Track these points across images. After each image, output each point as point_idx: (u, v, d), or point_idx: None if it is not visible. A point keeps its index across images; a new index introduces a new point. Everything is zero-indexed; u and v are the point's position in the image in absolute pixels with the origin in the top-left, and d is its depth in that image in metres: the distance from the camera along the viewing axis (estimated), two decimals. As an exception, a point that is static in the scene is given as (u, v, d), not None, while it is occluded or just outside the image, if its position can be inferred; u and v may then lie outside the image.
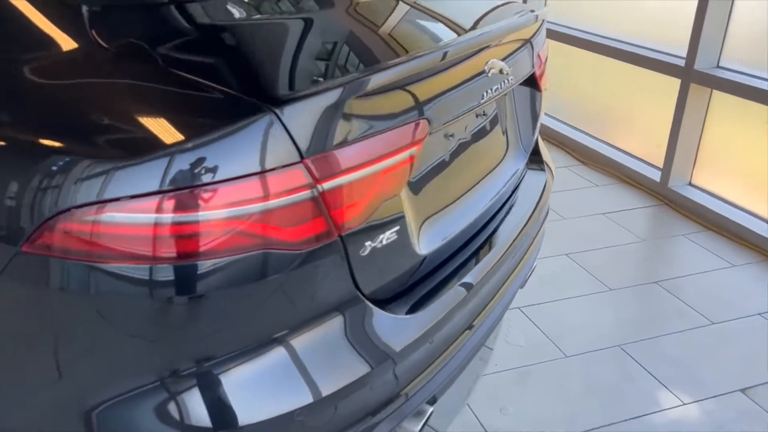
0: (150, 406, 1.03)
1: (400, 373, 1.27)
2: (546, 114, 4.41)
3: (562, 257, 3.02)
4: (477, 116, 1.64)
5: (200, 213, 0.95)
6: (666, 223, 3.41)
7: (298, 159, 1.02)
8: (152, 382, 1.03)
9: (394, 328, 1.27)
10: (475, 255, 1.58)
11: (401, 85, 1.23)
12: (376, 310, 1.25)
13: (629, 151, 4.04)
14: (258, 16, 1.34)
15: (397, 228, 1.25)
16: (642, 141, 3.98)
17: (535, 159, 2.07)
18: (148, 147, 0.95)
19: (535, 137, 1.99)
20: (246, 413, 1.07)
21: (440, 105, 1.33)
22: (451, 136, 1.52)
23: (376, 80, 1.17)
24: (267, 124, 0.99)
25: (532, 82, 1.89)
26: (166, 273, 0.97)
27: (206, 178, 0.94)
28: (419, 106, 1.26)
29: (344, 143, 1.09)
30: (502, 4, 1.84)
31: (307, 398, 1.12)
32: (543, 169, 2.08)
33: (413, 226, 1.33)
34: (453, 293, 1.43)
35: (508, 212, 1.80)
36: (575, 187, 3.82)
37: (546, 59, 1.98)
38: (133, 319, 1.00)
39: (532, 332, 2.49)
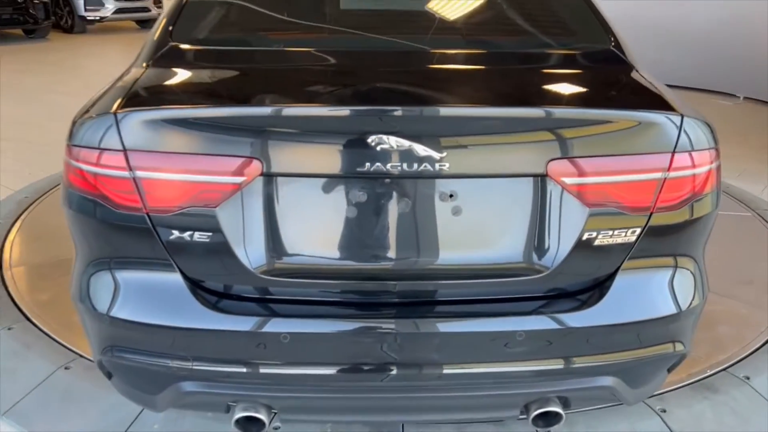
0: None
1: (176, 341, 1.61)
2: None
3: None
4: (422, 191, 1.56)
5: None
6: None
7: (120, 148, 1.50)
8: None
9: (184, 306, 1.59)
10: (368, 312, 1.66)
11: (233, 125, 1.53)
12: (181, 284, 1.60)
13: None
14: None
15: (211, 234, 1.54)
16: None
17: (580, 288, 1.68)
18: None
19: (566, 258, 1.58)
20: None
21: (288, 156, 1.53)
22: (361, 194, 1.54)
23: (210, 113, 1.54)
24: (108, 121, 1.53)
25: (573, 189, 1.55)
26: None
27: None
28: (249, 147, 1.50)
29: (162, 151, 1.51)
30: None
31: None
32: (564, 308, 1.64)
33: (236, 239, 1.55)
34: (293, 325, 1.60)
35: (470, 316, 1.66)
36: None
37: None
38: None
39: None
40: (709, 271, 3.18)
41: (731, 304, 2.99)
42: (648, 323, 1.68)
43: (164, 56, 1.82)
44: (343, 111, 1.55)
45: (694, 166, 1.61)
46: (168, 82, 1.77)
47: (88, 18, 12.05)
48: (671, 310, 1.69)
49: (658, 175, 1.58)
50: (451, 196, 1.56)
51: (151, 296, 1.63)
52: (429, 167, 1.49)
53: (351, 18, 2.15)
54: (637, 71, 1.85)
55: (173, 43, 1.86)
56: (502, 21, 2.17)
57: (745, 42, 7.24)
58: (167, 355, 1.63)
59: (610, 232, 1.59)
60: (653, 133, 1.58)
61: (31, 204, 3.86)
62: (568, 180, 1.54)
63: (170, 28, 1.90)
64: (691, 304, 1.72)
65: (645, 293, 1.69)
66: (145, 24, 13.16)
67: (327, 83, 1.71)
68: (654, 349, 1.72)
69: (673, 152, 1.57)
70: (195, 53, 1.86)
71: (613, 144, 1.56)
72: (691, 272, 1.75)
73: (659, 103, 1.65)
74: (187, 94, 1.71)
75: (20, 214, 3.71)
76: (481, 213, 1.60)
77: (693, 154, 1.60)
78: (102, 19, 12.19)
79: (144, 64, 1.80)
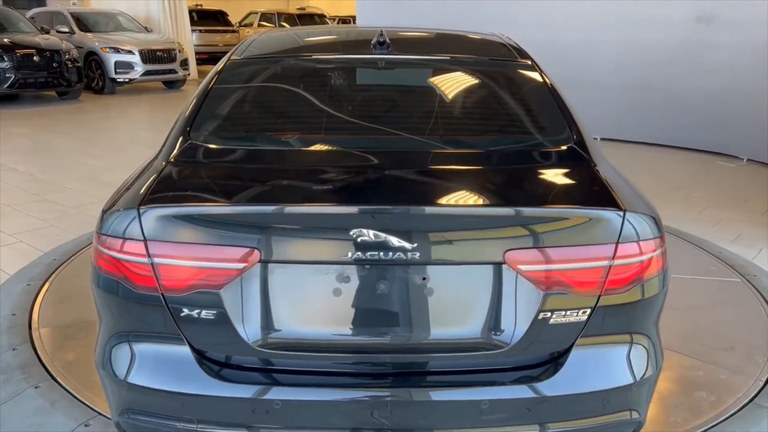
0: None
1: (183, 405, 1.84)
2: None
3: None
4: (394, 273, 1.79)
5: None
6: None
7: (141, 238, 1.78)
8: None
9: (191, 375, 1.83)
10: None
11: (236, 221, 1.80)
12: (189, 354, 1.85)
13: None
14: None
15: (215, 312, 1.79)
16: None
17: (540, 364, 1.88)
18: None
19: (524, 335, 1.80)
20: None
21: (283, 246, 1.78)
22: (346, 278, 1.79)
23: (217, 211, 1.82)
24: (132, 214, 1.80)
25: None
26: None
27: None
28: (249, 238, 1.76)
29: (176, 241, 1.78)
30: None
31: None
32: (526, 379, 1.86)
33: (236, 317, 1.79)
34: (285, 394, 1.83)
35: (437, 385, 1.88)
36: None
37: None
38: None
39: None
40: (692, 337, 3.39)
41: (712, 370, 3.16)
42: (602, 393, 1.88)
43: (181, 155, 2.10)
44: (330, 209, 1.82)
45: (637, 254, 1.83)
46: (183, 181, 2.04)
47: (118, 80, 12.67)
48: (624, 381, 1.90)
49: (604, 263, 1.80)
50: (424, 278, 1.80)
51: (163, 365, 1.87)
52: (403, 255, 1.74)
53: (345, 118, 2.44)
54: (594, 167, 2.09)
55: (190, 142, 2.14)
56: (477, 120, 2.45)
57: (749, 104, 7.49)
58: (176, 418, 1.86)
59: (563, 312, 1.81)
60: (599, 226, 1.81)
61: (59, 266, 4.16)
62: (522, 267, 1.78)
63: (188, 128, 2.19)
64: (643, 375, 1.92)
65: (599, 366, 1.90)
66: (172, 84, 13.79)
67: (317, 183, 1.97)
68: (610, 417, 1.91)
69: (617, 243, 1.80)
70: (208, 153, 2.14)
71: (563, 236, 1.80)
72: (643, 346, 1.95)
73: (606, 200, 1.88)
74: (199, 192, 1.98)
75: (49, 276, 4.00)
76: (451, 294, 1.83)
77: (635, 243, 1.83)
78: (131, 80, 12.80)
79: (164, 162, 2.08)
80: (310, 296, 1.82)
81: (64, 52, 11.24)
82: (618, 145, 8.64)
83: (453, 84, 2.54)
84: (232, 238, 1.76)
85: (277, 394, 1.82)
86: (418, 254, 1.74)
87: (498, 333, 1.82)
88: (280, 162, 2.12)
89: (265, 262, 1.77)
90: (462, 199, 1.91)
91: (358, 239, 1.72)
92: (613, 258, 1.80)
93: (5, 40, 10.87)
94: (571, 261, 1.80)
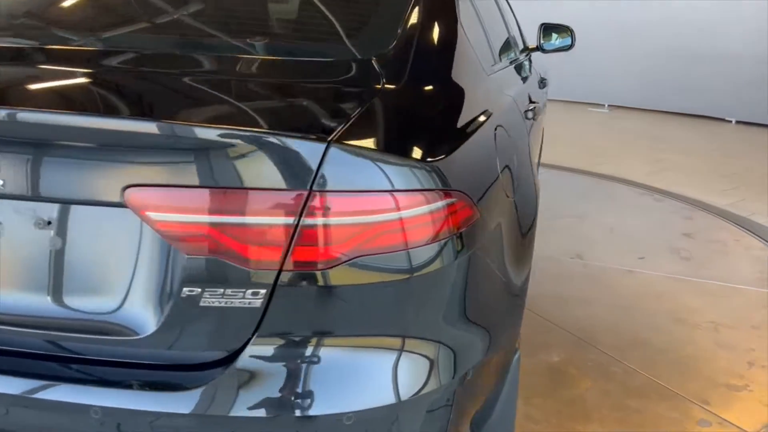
0: None
1: None
2: None
3: None
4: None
5: None
6: None
7: None
8: None
9: None
10: None
11: None
12: None
13: None
14: None
15: None
16: None
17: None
18: None
19: (165, 320, 1.14)
20: None
21: None
22: None
23: None
24: None
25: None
26: None
27: None
28: None
29: None
30: None
31: None
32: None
33: None
34: None
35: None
36: None
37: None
38: None
39: None
40: (692, 367, 2.43)
41: (689, 411, 2.23)
42: (295, 421, 1.16)
43: None
44: None
45: (352, 212, 1.10)
46: None
47: None
48: (343, 407, 1.16)
49: (287, 219, 1.09)
50: (49, 223, 1.19)
51: None
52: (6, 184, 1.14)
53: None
54: (380, 86, 1.34)
55: None
56: (263, 20, 1.75)
57: None
58: None
59: (221, 291, 1.12)
60: (280, 162, 1.09)
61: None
62: (153, 214, 1.10)
63: None
64: (410, 395, 1.18)
65: (291, 380, 1.17)
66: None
67: None
68: None
69: (310, 191, 1.08)
70: None
71: (219, 173, 1.10)
72: (417, 354, 1.20)
73: (310, 126, 1.16)
74: None
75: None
76: (80, 249, 1.19)
77: (351, 195, 1.10)
78: None
79: None
80: None
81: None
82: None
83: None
84: None
85: None
86: (27, 184, 1.14)
87: (127, 313, 1.17)
88: None
89: None
90: (81, 104, 1.27)
91: None
92: (302, 213, 1.09)
93: None
94: (227, 212, 1.10)
